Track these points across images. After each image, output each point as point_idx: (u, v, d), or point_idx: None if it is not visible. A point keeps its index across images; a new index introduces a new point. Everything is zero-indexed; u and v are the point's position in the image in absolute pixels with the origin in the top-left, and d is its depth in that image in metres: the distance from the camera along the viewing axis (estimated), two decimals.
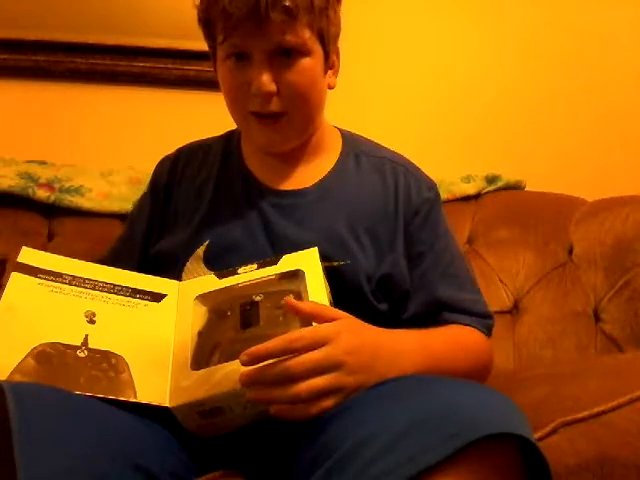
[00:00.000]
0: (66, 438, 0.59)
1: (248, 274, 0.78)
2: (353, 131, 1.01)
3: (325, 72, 0.87)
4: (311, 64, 0.82)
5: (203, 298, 0.78)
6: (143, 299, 0.77)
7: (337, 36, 0.88)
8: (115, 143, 1.43)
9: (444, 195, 1.33)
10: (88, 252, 1.23)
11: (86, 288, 0.74)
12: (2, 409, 0.57)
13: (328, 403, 0.65)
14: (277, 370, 0.64)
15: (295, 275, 0.76)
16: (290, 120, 0.84)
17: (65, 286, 0.73)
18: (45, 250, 0.79)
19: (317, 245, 0.81)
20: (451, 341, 0.83)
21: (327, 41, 0.84)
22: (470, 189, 1.37)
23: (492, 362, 0.88)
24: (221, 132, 0.99)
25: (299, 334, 0.66)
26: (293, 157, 0.91)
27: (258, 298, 0.75)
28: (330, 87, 0.89)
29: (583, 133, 1.54)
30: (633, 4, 1.53)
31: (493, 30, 1.52)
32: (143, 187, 1.28)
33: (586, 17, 1.52)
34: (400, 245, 0.87)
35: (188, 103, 1.43)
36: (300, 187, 0.90)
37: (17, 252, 0.75)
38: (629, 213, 1.21)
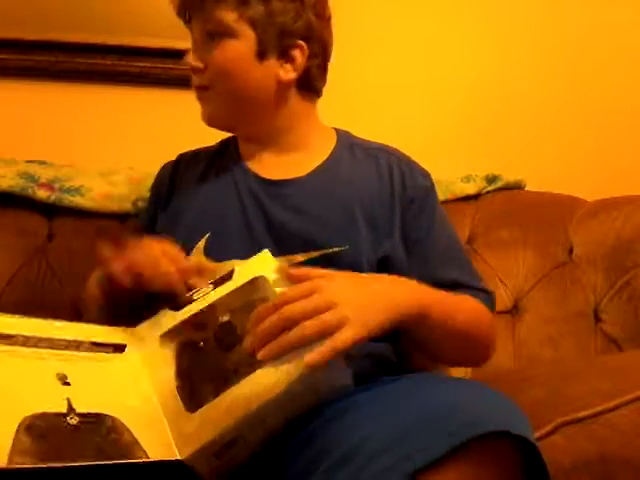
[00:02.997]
0: None
1: (205, 297, 0.73)
2: (352, 130, 1.01)
3: (260, 58, 0.90)
4: (236, 46, 0.89)
5: (167, 337, 0.72)
6: (105, 352, 0.71)
7: (297, 32, 0.90)
8: (115, 143, 1.42)
9: (444, 195, 1.33)
10: (88, 252, 1.23)
11: (44, 348, 0.67)
12: None
13: (345, 335, 0.64)
14: (274, 319, 0.64)
15: (254, 284, 0.73)
16: (214, 93, 0.92)
17: (21, 349, 0.66)
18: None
19: (314, 231, 0.85)
20: (452, 298, 0.83)
21: (261, 28, 0.88)
22: (470, 189, 1.37)
23: (495, 334, 0.90)
24: (220, 131, 1.00)
25: (284, 296, 0.67)
26: (286, 150, 0.95)
27: (225, 318, 0.71)
28: (281, 79, 0.91)
29: (583, 133, 1.54)
30: (634, 5, 1.53)
31: (494, 30, 1.51)
32: (143, 187, 1.28)
33: (587, 17, 1.52)
34: (397, 231, 0.89)
35: (188, 103, 1.41)
36: (295, 176, 0.93)
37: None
38: (629, 213, 1.21)
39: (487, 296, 0.90)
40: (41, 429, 0.58)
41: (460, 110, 1.52)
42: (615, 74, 1.53)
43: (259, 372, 0.65)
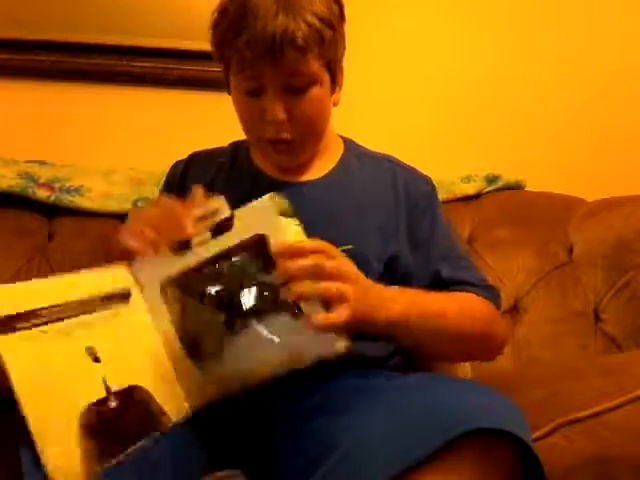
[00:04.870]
0: None
1: (205, 247, 0.74)
2: (353, 132, 1.02)
3: (332, 94, 0.91)
4: (320, 92, 0.87)
5: (167, 284, 0.76)
6: (117, 303, 0.75)
7: (343, 55, 0.91)
8: (115, 143, 1.43)
9: (444, 195, 1.33)
10: (88, 252, 1.23)
11: (63, 319, 0.69)
12: None
13: (342, 313, 0.67)
14: (309, 265, 0.67)
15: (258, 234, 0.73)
16: (300, 144, 0.89)
17: (45, 327, 0.67)
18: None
19: (325, 229, 0.85)
20: (454, 303, 0.84)
21: (334, 67, 0.88)
22: (470, 189, 1.37)
23: (503, 326, 0.91)
24: (221, 131, 1.00)
25: (317, 244, 0.69)
26: None
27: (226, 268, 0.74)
28: (334, 104, 0.93)
29: (583, 133, 1.54)
30: (635, 7, 1.53)
31: (494, 31, 1.51)
32: (143, 187, 1.28)
33: (587, 18, 1.52)
34: (403, 232, 0.92)
35: (188, 103, 1.43)
36: (308, 179, 0.95)
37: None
38: (629, 213, 1.21)
39: (492, 292, 0.91)
40: (94, 427, 0.66)
41: (460, 110, 1.51)
42: (615, 74, 1.53)
43: (257, 329, 0.70)
